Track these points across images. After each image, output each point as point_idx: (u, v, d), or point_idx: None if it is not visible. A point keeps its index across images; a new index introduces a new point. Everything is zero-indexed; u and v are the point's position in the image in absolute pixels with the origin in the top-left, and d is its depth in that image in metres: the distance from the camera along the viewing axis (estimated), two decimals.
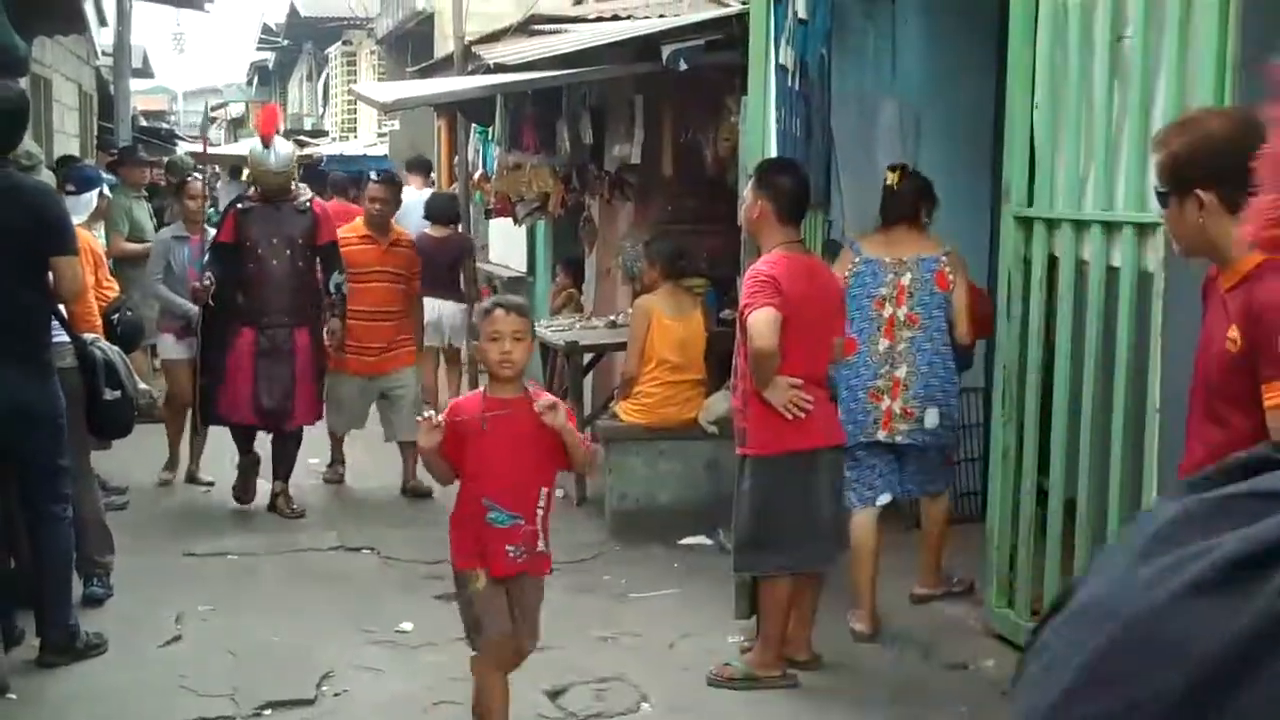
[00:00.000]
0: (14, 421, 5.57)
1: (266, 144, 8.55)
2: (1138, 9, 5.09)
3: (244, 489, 8.58)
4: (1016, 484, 5.84)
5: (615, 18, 11.03)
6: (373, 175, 10.21)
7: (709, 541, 7.67)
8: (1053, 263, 5.65)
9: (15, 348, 5.56)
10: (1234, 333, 3.30)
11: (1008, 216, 5.85)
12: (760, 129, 6.76)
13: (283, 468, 8.50)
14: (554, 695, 5.55)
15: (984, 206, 7.73)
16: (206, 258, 8.41)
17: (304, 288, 8.37)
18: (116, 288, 9.35)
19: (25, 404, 5.59)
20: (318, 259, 8.47)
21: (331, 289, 8.46)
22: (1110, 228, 5.27)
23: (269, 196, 8.36)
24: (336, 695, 5.58)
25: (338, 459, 9.44)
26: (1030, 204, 5.75)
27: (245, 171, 13.50)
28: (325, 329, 8.47)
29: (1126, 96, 5.19)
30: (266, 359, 8.20)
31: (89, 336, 6.44)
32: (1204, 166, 3.28)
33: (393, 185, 9.57)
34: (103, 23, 19.62)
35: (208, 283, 8.24)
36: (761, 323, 5.32)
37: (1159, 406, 4.67)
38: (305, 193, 8.75)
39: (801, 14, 7.10)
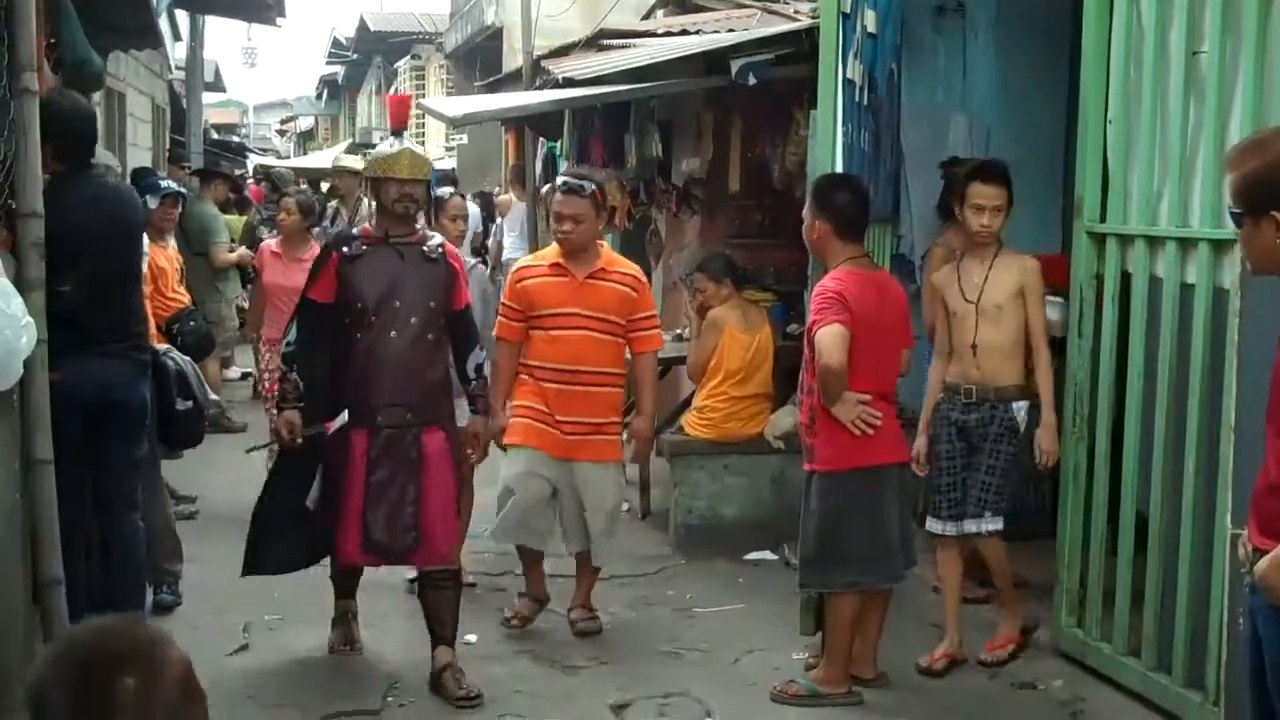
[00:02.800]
0: (108, 411, 5.67)
1: (396, 135, 6.19)
2: (1214, 24, 5.04)
3: (343, 639, 6.23)
4: (1088, 502, 5.77)
5: (684, 32, 11.03)
6: (564, 181, 6.59)
7: (774, 557, 7.64)
8: (1125, 279, 5.59)
9: (120, 346, 5.70)
10: None
11: (1080, 232, 5.80)
12: (829, 144, 6.72)
13: (443, 625, 5.85)
14: (618, 709, 5.54)
15: (1054, 221, 7.67)
16: (290, 333, 5.95)
17: (436, 371, 5.83)
18: (187, 298, 9.47)
19: (122, 398, 5.70)
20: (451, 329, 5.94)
21: (470, 372, 5.96)
22: (1185, 244, 5.21)
23: (390, 232, 5.77)
24: (402, 706, 5.59)
25: (532, 593, 6.72)
26: (1103, 219, 5.69)
27: (332, 190, 13.05)
28: (468, 430, 6.08)
29: (1202, 111, 5.14)
30: (383, 474, 5.70)
31: (161, 347, 6.52)
32: (1278, 187, 3.23)
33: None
34: (176, 38, 19.85)
35: (290, 392, 5.84)
36: (830, 340, 5.29)
37: (1234, 425, 4.60)
38: (434, 236, 5.98)
39: (871, 29, 7.07)
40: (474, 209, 14.68)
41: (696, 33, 10.74)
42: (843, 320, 5.31)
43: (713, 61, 9.31)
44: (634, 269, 6.51)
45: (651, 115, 10.76)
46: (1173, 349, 5.27)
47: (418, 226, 5.91)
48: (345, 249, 5.76)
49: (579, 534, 6.45)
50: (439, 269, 5.80)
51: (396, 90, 34.27)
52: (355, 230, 6.10)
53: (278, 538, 5.95)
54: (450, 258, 5.88)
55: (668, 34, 11.23)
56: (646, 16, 14.42)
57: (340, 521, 5.75)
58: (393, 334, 5.67)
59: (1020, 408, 5.79)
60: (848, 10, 6.82)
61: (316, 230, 10.27)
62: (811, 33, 7.97)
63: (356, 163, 11.93)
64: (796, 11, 9.89)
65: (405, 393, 5.70)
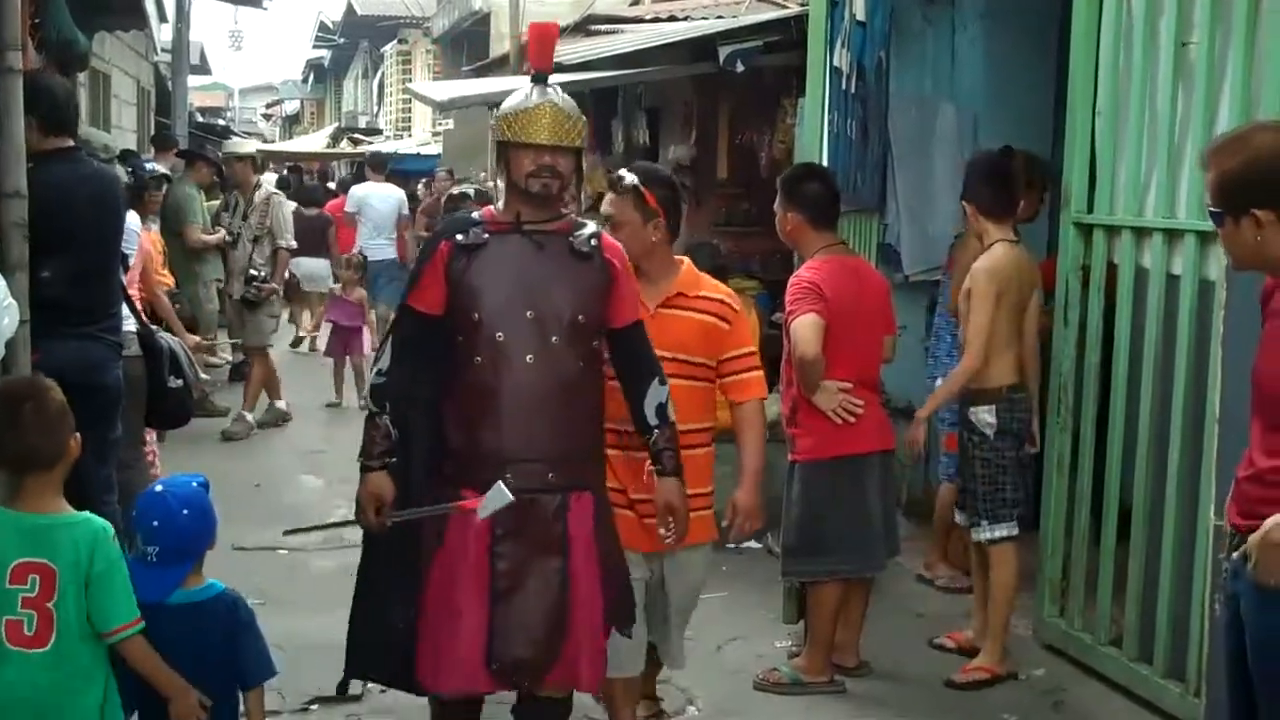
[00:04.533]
0: (86, 393, 5.63)
1: (538, 80, 4.14)
2: (1204, 15, 5.03)
3: None
4: (1071, 493, 5.78)
5: (672, 19, 11.03)
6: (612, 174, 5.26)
7: (757, 545, 7.63)
8: (1111, 269, 5.58)
9: (97, 329, 5.64)
10: None
11: (1067, 222, 5.79)
12: (816, 132, 6.73)
13: None
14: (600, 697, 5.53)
15: (1041, 211, 7.67)
16: (381, 359, 4.23)
17: (588, 412, 4.21)
18: (171, 280, 9.44)
19: (100, 381, 5.63)
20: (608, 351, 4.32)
21: (650, 416, 4.27)
22: (1172, 235, 5.21)
23: (524, 217, 4.09)
24: (383, 692, 5.58)
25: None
26: (1090, 210, 5.69)
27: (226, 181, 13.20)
28: (659, 500, 4.37)
29: (1191, 103, 5.13)
30: (513, 559, 4.05)
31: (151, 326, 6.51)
32: (1259, 185, 3.23)
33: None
34: (162, 19, 19.77)
35: (379, 442, 4.18)
36: (804, 330, 5.29)
37: (1218, 417, 4.61)
38: (586, 224, 4.24)
39: (860, 16, 7.06)
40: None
41: (685, 19, 10.74)
42: (817, 310, 5.30)
43: (701, 48, 9.31)
44: (724, 292, 4.79)
45: (639, 102, 10.78)
46: (1158, 340, 5.27)
47: (564, 211, 4.22)
48: (460, 237, 4.08)
49: (658, 627, 4.81)
50: (593, 268, 4.10)
51: (383, 76, 34.19)
52: (476, 214, 4.29)
53: (382, 648, 4.37)
54: (609, 253, 4.16)
55: (656, 20, 11.23)
56: (635, 2, 14.41)
57: (450, 634, 4.08)
58: (527, 358, 4.00)
59: (978, 411, 5.73)
60: None
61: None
62: (800, 20, 7.97)
63: (247, 147, 11.87)
64: None
65: (545, 443, 4.06)
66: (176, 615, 3.67)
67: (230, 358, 12.53)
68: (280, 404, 10.91)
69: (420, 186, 17.60)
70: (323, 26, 39.77)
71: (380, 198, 14.48)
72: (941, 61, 8.16)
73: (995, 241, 5.71)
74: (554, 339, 4.01)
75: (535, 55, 4.22)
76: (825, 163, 6.66)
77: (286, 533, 5.09)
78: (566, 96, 4.10)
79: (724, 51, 8.67)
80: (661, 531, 4.35)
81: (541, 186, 4.02)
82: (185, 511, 3.80)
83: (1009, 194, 5.84)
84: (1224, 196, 3.29)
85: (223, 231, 11.27)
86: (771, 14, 9.21)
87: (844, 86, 6.97)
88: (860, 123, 7.19)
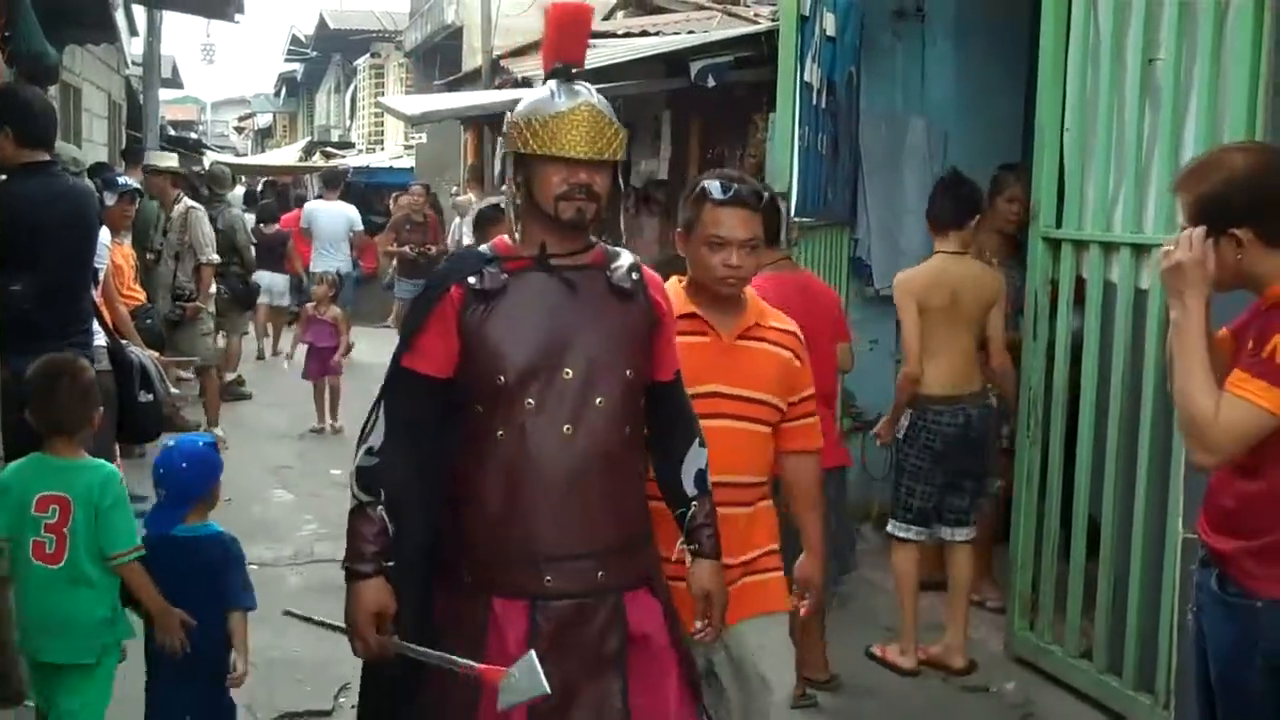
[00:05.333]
0: None
1: (562, 77, 3.34)
2: (1170, 32, 5.07)
3: None
4: (1040, 506, 5.80)
5: (644, 34, 11.06)
6: (724, 184, 4.04)
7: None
8: (1080, 284, 5.62)
9: (64, 344, 5.61)
10: (1251, 344, 3.27)
11: (1036, 237, 5.83)
12: (787, 146, 6.75)
13: None
14: None
15: None
16: (371, 434, 3.37)
17: (638, 489, 3.45)
18: (143, 295, 9.40)
19: None
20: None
21: (688, 485, 3.53)
22: (1139, 250, 5.24)
23: (550, 249, 3.31)
24: (354, 707, 5.56)
25: None
26: (1059, 225, 5.72)
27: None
28: (691, 586, 3.55)
29: (1158, 119, 5.17)
30: (557, 683, 3.15)
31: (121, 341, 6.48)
32: (1236, 206, 3.25)
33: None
34: (133, 32, 19.70)
35: (371, 542, 3.33)
36: None
37: (1149, 427, 4.66)
38: (621, 254, 3.47)
39: (830, 32, 7.10)
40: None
41: (656, 34, 10.77)
42: None
43: (672, 63, 9.33)
44: (789, 322, 4.08)
45: None
46: (1126, 354, 5.30)
47: (596, 240, 3.38)
48: (473, 280, 3.25)
49: None
50: (637, 309, 3.33)
51: (355, 90, 34.18)
52: (485, 248, 3.40)
53: None
54: (653, 289, 3.41)
55: (628, 35, 11.26)
56: (607, 17, 14.44)
57: None
58: (565, 428, 3.21)
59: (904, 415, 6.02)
60: (807, 13, 6.85)
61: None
62: (771, 35, 8.00)
63: (167, 160, 11.76)
64: (756, 14, 9.94)
65: (591, 534, 3.27)
66: (179, 545, 4.41)
67: None
68: (218, 431, 10.53)
69: (392, 201, 17.61)
70: (295, 40, 39.69)
71: (329, 214, 15.36)
72: (912, 77, 8.20)
73: (937, 253, 6.04)
74: (598, 401, 3.22)
75: (559, 44, 3.35)
76: (796, 177, 6.70)
77: (285, 613, 4.60)
78: (600, 96, 3.26)
79: (695, 67, 8.69)
80: (697, 625, 3.53)
81: (575, 212, 3.18)
82: (184, 464, 4.48)
83: (947, 208, 6.06)
84: (1203, 218, 3.31)
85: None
86: (743, 29, 9.24)
87: (815, 101, 7.00)
88: (831, 137, 7.23)
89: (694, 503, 3.49)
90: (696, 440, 3.52)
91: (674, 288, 3.83)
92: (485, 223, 6.16)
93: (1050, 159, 5.76)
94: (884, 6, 8.08)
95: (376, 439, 3.32)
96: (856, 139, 7.74)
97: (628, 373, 3.28)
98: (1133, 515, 5.21)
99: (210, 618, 4.39)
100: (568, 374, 3.22)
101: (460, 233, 14.94)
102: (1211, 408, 3.14)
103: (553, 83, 3.29)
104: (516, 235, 3.29)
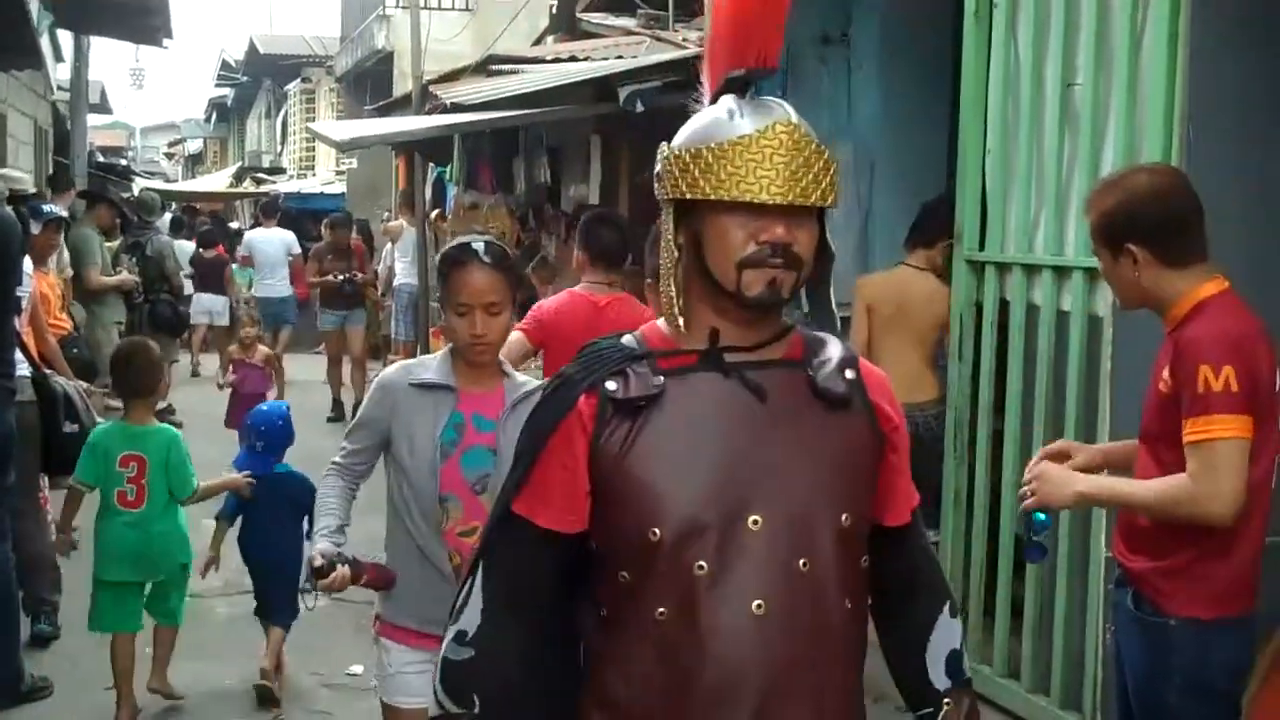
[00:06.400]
0: None
1: (740, 91, 2.33)
2: (1087, 57, 5.15)
3: None
4: (967, 525, 5.86)
5: (573, 59, 11.08)
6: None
7: None
8: (1004, 306, 5.68)
9: None
10: (1166, 374, 3.36)
11: (959, 260, 5.89)
12: None
13: None
14: None
15: None
16: (463, 612, 2.37)
17: (851, 685, 2.48)
18: (69, 324, 9.32)
19: None
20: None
21: (938, 674, 2.55)
22: (1061, 272, 5.31)
23: (726, 338, 2.30)
24: None
25: None
26: (982, 248, 5.79)
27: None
28: None
29: (1077, 143, 5.24)
30: None
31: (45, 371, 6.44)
32: (1134, 222, 3.37)
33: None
34: (59, 58, 19.56)
35: None
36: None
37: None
38: (828, 341, 2.40)
39: None
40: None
41: (586, 59, 10.80)
42: (524, 328, 5.56)
43: (602, 88, 9.36)
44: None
45: (541, 141, 10.81)
46: (1049, 375, 5.36)
47: (789, 321, 2.38)
48: (613, 385, 2.29)
49: None
50: (854, 423, 2.35)
51: (286, 115, 34.01)
52: (631, 338, 2.38)
53: None
54: (875, 391, 2.39)
55: (557, 60, 11.28)
56: (537, 42, 14.48)
57: None
58: (754, 605, 2.24)
59: None
60: None
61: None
62: (697, 60, 8.04)
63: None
64: (685, 39, 9.99)
65: None
66: (273, 480, 6.21)
67: None
68: None
69: (324, 228, 17.59)
70: (225, 65, 39.44)
71: (268, 241, 16.06)
72: (838, 101, 8.26)
73: (900, 264, 6.48)
74: (802, 564, 2.24)
75: (742, 41, 2.34)
76: None
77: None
78: (798, 115, 2.25)
79: (624, 92, 8.73)
80: None
81: (767, 286, 2.20)
82: (280, 422, 6.44)
83: (919, 226, 6.57)
84: (1103, 234, 3.42)
85: (124, 273, 11.16)
86: (671, 54, 9.30)
87: None
88: None
89: (946, 702, 2.52)
90: (946, 607, 2.52)
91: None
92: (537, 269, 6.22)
93: (972, 183, 5.83)
94: (810, 31, 8.13)
95: (471, 621, 2.33)
96: None
97: (844, 519, 2.27)
98: (1057, 534, 5.27)
99: (294, 537, 5.70)
100: (755, 523, 2.21)
101: (391, 258, 14.91)
102: (1179, 484, 3.23)
103: (729, 99, 2.29)
104: (676, 318, 2.28)
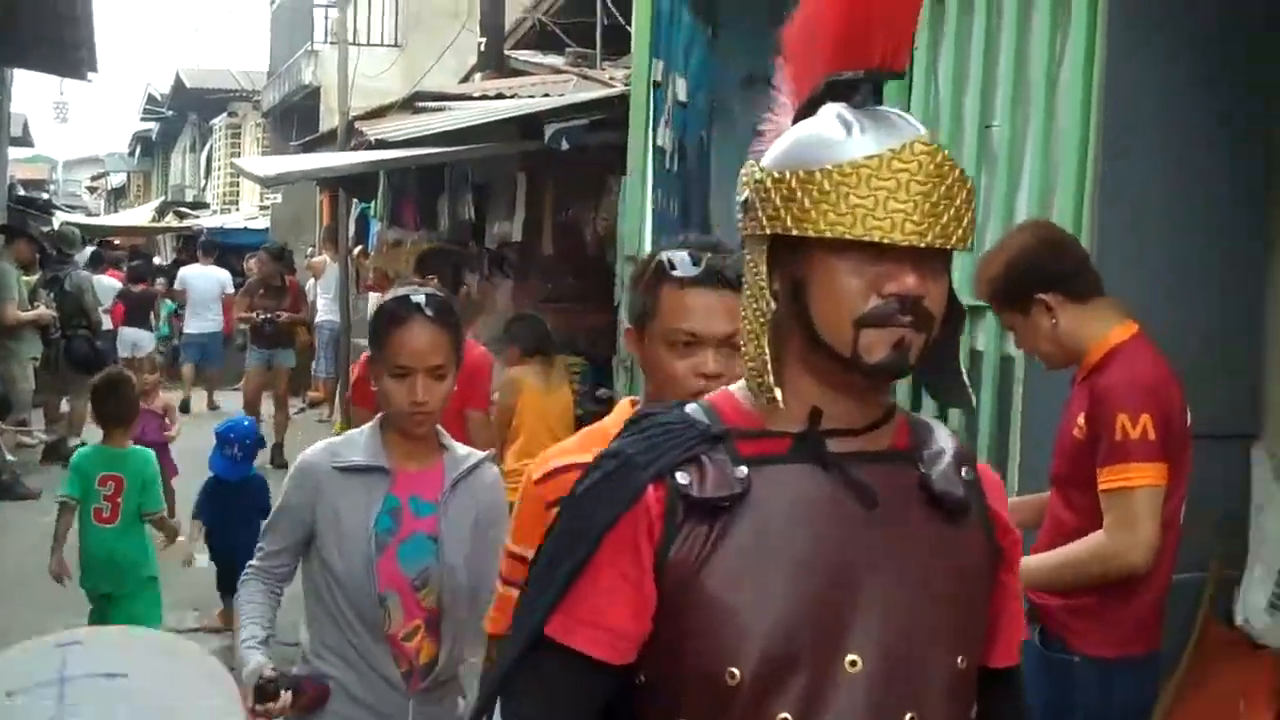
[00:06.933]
0: None
1: (844, 98, 1.78)
2: (1005, 98, 5.21)
3: None
4: None
5: (500, 96, 11.09)
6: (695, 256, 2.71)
7: None
8: None
9: None
10: (1081, 420, 3.39)
11: None
12: (638, 210, 6.82)
13: None
14: None
15: None
16: None
17: None
18: None
19: None
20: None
21: None
22: (975, 312, 5.34)
23: (831, 418, 1.78)
24: None
25: None
26: None
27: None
28: None
29: (994, 183, 5.30)
30: None
31: None
32: (1036, 271, 3.44)
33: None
34: None
35: None
36: None
37: (1017, 491, 4.74)
38: (937, 428, 1.92)
39: (682, 97, 7.20)
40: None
41: (513, 97, 10.81)
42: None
43: (528, 126, 9.37)
44: None
45: (466, 178, 10.79)
46: (962, 415, 5.40)
47: (887, 401, 1.85)
48: (685, 478, 1.75)
49: None
50: (971, 538, 1.85)
51: (211, 149, 33.79)
52: (701, 408, 1.85)
53: None
54: (990, 494, 1.91)
55: (484, 97, 11.28)
56: (465, 79, 14.49)
57: None
58: None
59: None
60: (659, 79, 6.95)
61: None
62: (625, 99, 8.08)
63: None
64: (611, 78, 10.04)
65: None
66: (250, 482, 7.54)
67: (45, 437, 12.21)
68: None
69: (248, 262, 17.50)
70: (151, 99, 39.16)
71: (203, 277, 16.49)
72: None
73: None
74: (909, 718, 1.76)
75: (863, 34, 1.77)
76: (649, 239, 6.75)
77: None
78: (923, 128, 1.78)
79: (550, 130, 8.74)
80: None
81: (894, 350, 1.72)
82: (249, 440, 7.68)
83: None
84: (1006, 296, 3.49)
85: (42, 308, 11.02)
86: (597, 93, 9.32)
87: (667, 165, 7.08)
88: (682, 201, 7.30)
89: None
90: None
91: (619, 413, 2.60)
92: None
93: None
94: (735, 73, 8.18)
95: None
96: (707, 202, 7.82)
97: (959, 661, 1.80)
98: None
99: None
100: (854, 664, 1.73)
101: (314, 295, 14.83)
102: (1095, 544, 3.26)
103: (837, 108, 1.77)
104: (769, 390, 1.75)
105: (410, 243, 11.61)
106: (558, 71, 11.54)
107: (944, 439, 1.87)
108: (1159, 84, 4.80)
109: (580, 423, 8.10)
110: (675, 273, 2.50)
